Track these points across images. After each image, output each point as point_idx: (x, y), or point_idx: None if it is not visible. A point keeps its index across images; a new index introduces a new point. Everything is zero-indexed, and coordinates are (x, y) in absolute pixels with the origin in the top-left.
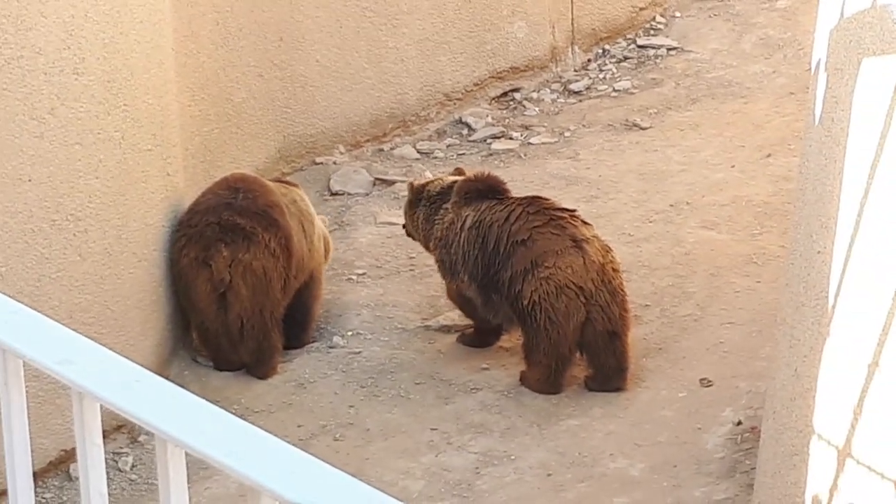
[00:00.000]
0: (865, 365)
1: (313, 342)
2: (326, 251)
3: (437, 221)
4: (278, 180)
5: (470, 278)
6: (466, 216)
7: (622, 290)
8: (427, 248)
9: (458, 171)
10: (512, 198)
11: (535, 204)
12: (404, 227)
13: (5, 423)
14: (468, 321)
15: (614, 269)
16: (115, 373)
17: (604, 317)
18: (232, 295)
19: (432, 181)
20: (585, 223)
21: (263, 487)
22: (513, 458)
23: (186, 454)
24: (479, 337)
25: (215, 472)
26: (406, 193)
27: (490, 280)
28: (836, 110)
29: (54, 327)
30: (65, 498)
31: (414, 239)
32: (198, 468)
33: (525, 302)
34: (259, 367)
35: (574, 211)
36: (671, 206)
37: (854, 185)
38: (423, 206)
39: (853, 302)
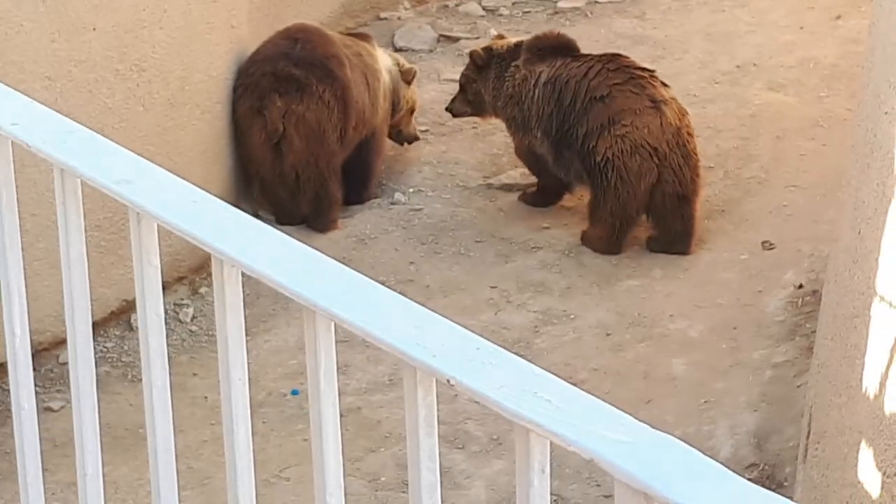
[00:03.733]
0: None
1: (374, 198)
2: (411, 108)
3: (507, 78)
4: (349, 33)
5: (543, 134)
6: (541, 72)
7: (696, 154)
8: (493, 111)
9: (500, 37)
10: (590, 54)
11: (615, 61)
12: (450, 109)
13: (63, 242)
14: (530, 180)
15: (689, 133)
16: (173, 193)
17: (675, 179)
18: (286, 145)
19: (493, 44)
20: (664, 84)
21: (318, 307)
22: (572, 317)
23: (246, 304)
24: (542, 196)
25: (274, 326)
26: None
27: (563, 136)
28: None
29: (112, 147)
30: (126, 347)
31: (465, 115)
32: (258, 321)
33: (598, 158)
34: (318, 218)
35: (653, 71)
36: (738, 67)
37: None
38: (495, 65)
39: None
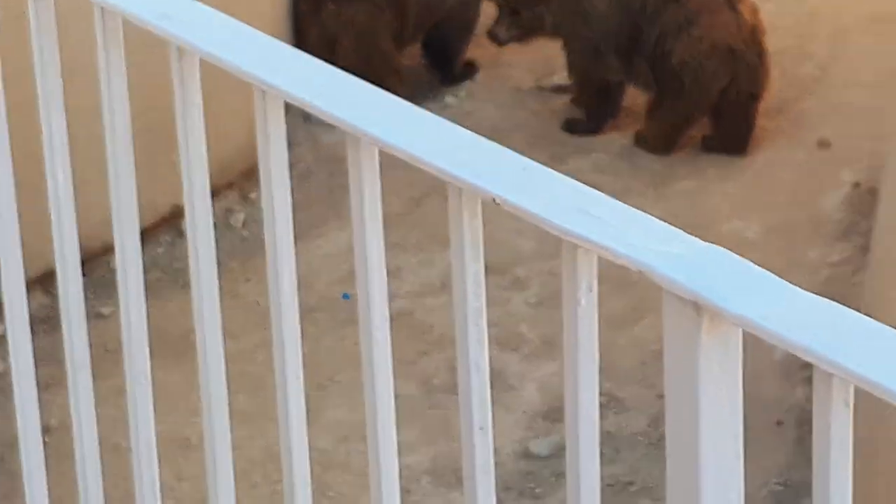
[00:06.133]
0: None
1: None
2: None
3: None
4: None
5: (614, 52)
6: None
7: (767, 51)
8: (554, 32)
9: None
10: None
11: None
12: (495, 37)
13: (104, 90)
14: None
15: (762, 30)
16: (215, 27)
17: (749, 78)
18: (339, 48)
19: None
20: None
21: (363, 132)
22: None
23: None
24: (592, 123)
25: (326, 231)
26: None
27: (632, 42)
28: None
29: None
30: (176, 253)
31: (512, 42)
32: (310, 227)
33: (674, 60)
34: None
35: None
36: None
37: None
38: None
39: None
